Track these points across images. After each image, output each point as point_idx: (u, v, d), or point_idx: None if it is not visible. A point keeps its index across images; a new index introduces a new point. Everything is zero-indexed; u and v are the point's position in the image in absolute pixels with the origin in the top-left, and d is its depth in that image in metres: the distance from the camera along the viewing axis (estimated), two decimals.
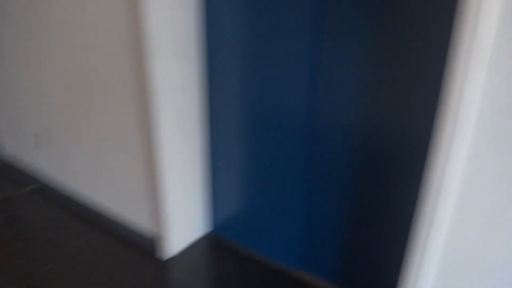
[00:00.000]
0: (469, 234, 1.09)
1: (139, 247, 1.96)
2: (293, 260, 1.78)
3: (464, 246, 1.11)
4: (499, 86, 0.94)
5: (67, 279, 1.75)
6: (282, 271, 1.80)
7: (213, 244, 1.98)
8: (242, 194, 1.83)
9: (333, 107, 1.41)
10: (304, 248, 1.73)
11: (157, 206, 1.80)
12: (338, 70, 1.36)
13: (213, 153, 1.86)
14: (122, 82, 1.67)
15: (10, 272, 1.79)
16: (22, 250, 1.93)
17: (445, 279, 1.18)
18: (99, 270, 1.80)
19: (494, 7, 0.90)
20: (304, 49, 1.39)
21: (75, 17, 1.72)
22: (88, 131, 1.98)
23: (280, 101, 1.53)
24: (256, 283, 1.73)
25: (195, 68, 1.68)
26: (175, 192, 1.80)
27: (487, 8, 0.89)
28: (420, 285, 1.21)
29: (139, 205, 1.90)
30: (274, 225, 1.77)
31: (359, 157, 1.41)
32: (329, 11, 1.31)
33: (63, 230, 2.09)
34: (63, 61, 1.91)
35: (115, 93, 1.72)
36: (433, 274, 1.20)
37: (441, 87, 1.17)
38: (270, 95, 1.55)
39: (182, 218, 1.88)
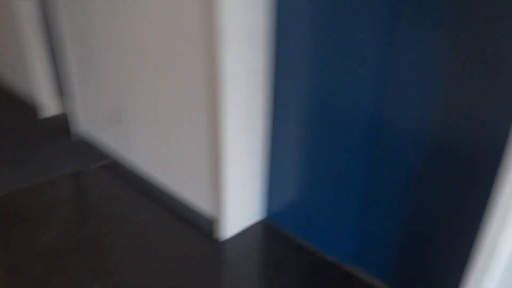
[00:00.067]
0: None
1: (198, 226, 2.06)
2: (346, 255, 1.78)
3: None
4: None
5: (130, 249, 1.88)
6: (334, 263, 1.81)
7: (266, 231, 2.03)
8: (299, 184, 1.85)
9: (403, 106, 1.39)
10: (359, 243, 1.72)
11: (217, 189, 1.88)
12: (411, 67, 1.33)
13: (273, 140, 1.90)
14: (192, 68, 1.75)
15: (79, 239, 1.96)
16: (90, 219, 2.11)
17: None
18: (159, 244, 1.93)
19: None
20: (375, 44, 1.38)
21: (156, 2, 1.83)
22: (157, 113, 2.10)
23: (346, 94, 1.53)
24: (308, 273, 1.75)
25: (262, 55, 1.72)
26: (235, 177, 1.86)
27: None
28: None
29: (200, 187, 1.99)
30: (329, 218, 1.78)
31: (427, 158, 1.38)
32: (405, 3, 1.28)
33: (129, 204, 2.24)
34: (140, 46, 2.03)
35: (185, 78, 1.81)
36: (498, 282, 1.15)
37: None
38: (336, 88, 1.55)
39: (239, 203, 1.94)
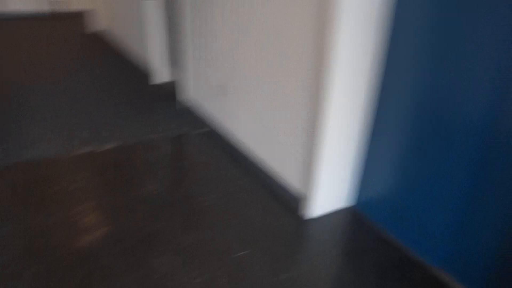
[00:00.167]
0: None
1: (284, 201, 2.12)
2: (436, 257, 1.71)
3: None
4: None
5: (220, 211, 2.02)
6: (420, 264, 1.74)
7: (353, 218, 2.02)
8: (395, 177, 1.80)
9: None
10: (453, 248, 1.63)
11: (310, 168, 1.91)
12: None
13: (374, 129, 1.87)
14: (302, 49, 1.79)
15: (176, 194, 2.15)
16: (187, 178, 2.29)
17: None
18: (247, 211, 2.03)
19: None
20: (502, 41, 1.28)
21: None
22: (261, 90, 2.19)
23: (461, 92, 1.44)
24: (390, 268, 1.72)
25: (375, 38, 1.69)
26: (329, 159, 1.88)
27: None
28: None
29: (293, 163, 2.05)
30: (423, 217, 1.71)
31: None
32: None
33: (223, 170, 2.39)
34: (255, 25, 2.13)
35: (294, 59, 1.86)
36: None
37: None
38: (451, 84, 1.47)
39: (330, 185, 1.96)
